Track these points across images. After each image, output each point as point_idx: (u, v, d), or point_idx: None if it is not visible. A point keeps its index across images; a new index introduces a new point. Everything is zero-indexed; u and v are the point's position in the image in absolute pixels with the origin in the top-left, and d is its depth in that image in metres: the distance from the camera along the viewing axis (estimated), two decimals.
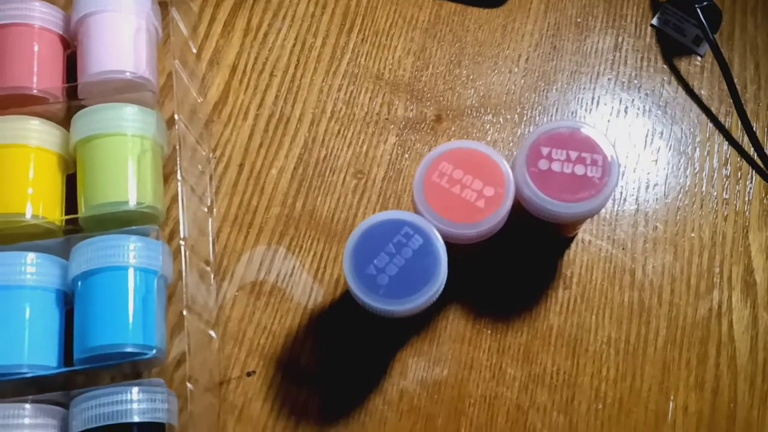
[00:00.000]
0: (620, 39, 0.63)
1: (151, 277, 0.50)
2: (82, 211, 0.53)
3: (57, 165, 0.54)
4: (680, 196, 0.58)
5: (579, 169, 0.49)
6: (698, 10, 0.60)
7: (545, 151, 0.50)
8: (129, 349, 0.48)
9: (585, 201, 0.49)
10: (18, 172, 0.52)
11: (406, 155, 0.59)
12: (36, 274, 0.50)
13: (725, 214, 0.58)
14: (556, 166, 0.49)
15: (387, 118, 0.60)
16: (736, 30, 0.63)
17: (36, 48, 0.56)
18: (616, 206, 0.58)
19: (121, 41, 0.56)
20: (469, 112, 0.61)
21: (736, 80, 0.60)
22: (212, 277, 0.55)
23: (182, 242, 0.50)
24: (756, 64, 0.62)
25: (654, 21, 0.64)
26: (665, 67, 0.62)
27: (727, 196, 0.58)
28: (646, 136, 0.60)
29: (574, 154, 0.49)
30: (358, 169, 0.59)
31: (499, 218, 0.48)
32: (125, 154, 0.53)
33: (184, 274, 0.50)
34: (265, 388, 0.53)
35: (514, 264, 0.56)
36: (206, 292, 0.54)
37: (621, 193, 0.58)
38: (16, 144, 0.53)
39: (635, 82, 0.62)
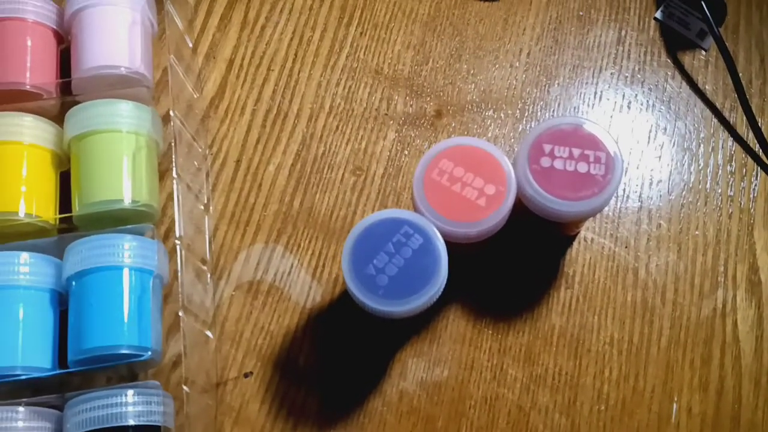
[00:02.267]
0: (623, 32, 0.62)
1: (146, 277, 0.50)
2: (76, 209, 0.52)
3: (51, 162, 0.53)
4: (684, 193, 0.57)
5: (582, 167, 0.48)
6: (703, 3, 0.59)
7: (547, 148, 0.49)
8: (124, 351, 0.47)
9: (588, 199, 0.48)
10: (11, 170, 0.51)
11: (406, 151, 0.58)
12: (29, 274, 0.49)
13: (730, 211, 0.57)
14: (558, 164, 0.48)
15: (386, 114, 0.59)
16: (741, 23, 0.62)
17: (29, 42, 0.55)
18: (619, 203, 0.57)
19: (116, 35, 0.55)
20: (470, 107, 0.60)
21: (741, 75, 0.59)
22: (209, 276, 0.54)
23: (178, 241, 0.49)
24: (761, 58, 0.61)
25: (658, 14, 0.63)
26: (669, 61, 0.61)
27: (731, 193, 0.57)
28: (650, 131, 0.59)
29: (576, 152, 0.49)
30: (357, 166, 0.58)
31: (501, 217, 0.48)
32: (120, 151, 0.52)
33: (180, 274, 0.49)
34: (262, 389, 0.52)
35: (515, 263, 0.55)
36: (203, 291, 0.53)
37: (624, 190, 0.57)
38: (8, 141, 0.52)
39: (638, 76, 0.61)
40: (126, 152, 0.52)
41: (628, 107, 0.60)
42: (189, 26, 0.61)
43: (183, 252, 0.50)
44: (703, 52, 0.62)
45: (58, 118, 0.54)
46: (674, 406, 0.52)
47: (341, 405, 0.52)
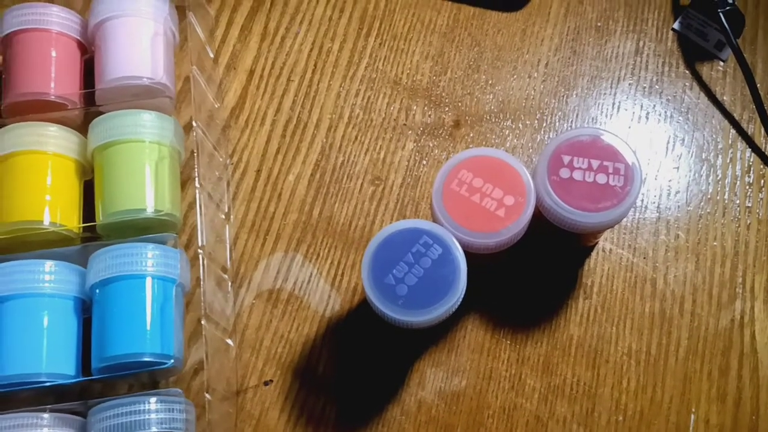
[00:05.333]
0: (641, 43, 0.62)
1: (169, 285, 0.50)
2: (100, 218, 0.52)
3: (74, 171, 0.54)
4: (702, 203, 0.57)
5: (601, 178, 0.49)
6: (721, 15, 0.59)
7: (566, 159, 0.49)
8: (147, 359, 0.48)
9: (607, 210, 0.48)
10: (35, 179, 0.52)
11: (424, 161, 0.59)
12: (54, 282, 0.49)
13: (748, 222, 0.57)
14: (577, 175, 0.49)
15: (405, 124, 0.60)
16: (759, 35, 0.62)
17: (53, 53, 0.56)
18: (637, 214, 0.57)
19: (139, 46, 0.56)
20: (488, 117, 0.60)
21: (759, 86, 0.59)
22: (229, 284, 0.55)
23: (200, 250, 0.50)
24: None
25: (675, 25, 0.63)
26: (687, 72, 0.61)
27: (749, 204, 0.57)
28: (668, 142, 0.59)
29: (595, 163, 0.49)
30: (376, 176, 0.58)
31: (520, 228, 0.48)
32: (143, 160, 0.53)
33: (202, 282, 0.49)
34: (282, 397, 0.53)
35: (533, 273, 0.55)
36: (223, 299, 0.54)
37: (642, 200, 0.57)
38: (33, 150, 0.52)
39: (656, 87, 0.61)
40: (149, 162, 0.53)
41: (646, 118, 0.60)
42: (210, 37, 0.61)
43: (205, 261, 0.50)
44: (721, 63, 0.62)
45: (81, 127, 0.55)
46: (692, 417, 0.52)
47: (360, 414, 0.52)
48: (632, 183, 0.48)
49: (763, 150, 0.59)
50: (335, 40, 0.62)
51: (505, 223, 0.48)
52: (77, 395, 0.50)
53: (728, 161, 0.59)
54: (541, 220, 0.50)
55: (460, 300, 0.47)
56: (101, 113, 0.54)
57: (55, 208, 0.52)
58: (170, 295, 0.50)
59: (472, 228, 0.48)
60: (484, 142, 0.59)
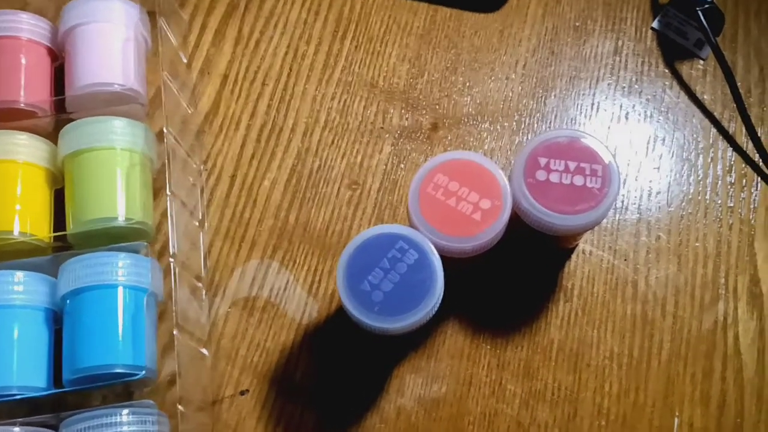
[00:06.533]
0: (620, 43, 0.62)
1: (140, 295, 0.49)
2: (71, 227, 0.52)
3: (45, 180, 0.53)
4: (683, 204, 0.57)
5: (578, 180, 0.48)
6: (700, 13, 0.59)
7: (543, 161, 0.48)
8: (119, 370, 0.47)
9: (584, 213, 0.47)
10: (5, 188, 0.51)
11: (402, 165, 0.58)
12: (24, 293, 0.49)
13: (730, 222, 0.56)
14: (554, 177, 0.48)
15: (382, 127, 0.59)
16: (739, 33, 0.62)
17: (23, 61, 0.55)
18: (617, 215, 0.56)
19: (110, 53, 0.55)
20: (466, 120, 0.59)
21: (739, 84, 0.59)
22: (204, 293, 0.54)
23: (171, 259, 0.49)
24: (760, 67, 0.61)
25: (654, 24, 0.62)
26: (666, 71, 0.61)
27: (731, 204, 0.57)
28: (648, 142, 0.59)
29: (572, 164, 0.48)
30: (353, 180, 0.58)
31: (496, 231, 0.47)
32: (114, 168, 0.52)
33: (173, 292, 0.49)
34: (259, 406, 0.52)
35: (512, 277, 0.55)
36: (198, 308, 0.53)
37: (622, 201, 0.57)
38: (2, 159, 0.52)
39: (636, 87, 0.60)
40: (120, 169, 0.52)
41: (626, 118, 0.60)
42: (183, 42, 0.61)
43: (176, 270, 0.49)
44: (701, 62, 0.61)
45: (52, 135, 0.54)
46: (675, 420, 0.52)
47: (338, 422, 0.52)
48: (610, 184, 0.48)
49: (744, 149, 0.59)
50: (310, 44, 0.62)
51: (482, 227, 0.47)
52: (50, 407, 0.49)
53: (709, 161, 0.58)
54: (518, 224, 0.50)
55: (437, 305, 0.46)
56: (72, 120, 0.53)
57: (25, 217, 0.51)
58: (141, 305, 0.49)
59: (448, 232, 0.47)
60: (462, 145, 0.59)
